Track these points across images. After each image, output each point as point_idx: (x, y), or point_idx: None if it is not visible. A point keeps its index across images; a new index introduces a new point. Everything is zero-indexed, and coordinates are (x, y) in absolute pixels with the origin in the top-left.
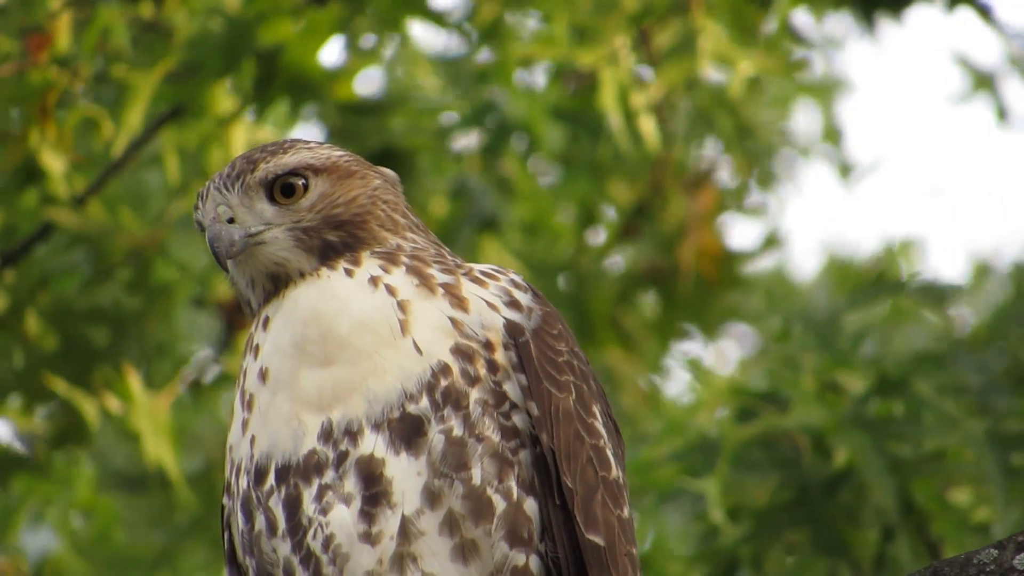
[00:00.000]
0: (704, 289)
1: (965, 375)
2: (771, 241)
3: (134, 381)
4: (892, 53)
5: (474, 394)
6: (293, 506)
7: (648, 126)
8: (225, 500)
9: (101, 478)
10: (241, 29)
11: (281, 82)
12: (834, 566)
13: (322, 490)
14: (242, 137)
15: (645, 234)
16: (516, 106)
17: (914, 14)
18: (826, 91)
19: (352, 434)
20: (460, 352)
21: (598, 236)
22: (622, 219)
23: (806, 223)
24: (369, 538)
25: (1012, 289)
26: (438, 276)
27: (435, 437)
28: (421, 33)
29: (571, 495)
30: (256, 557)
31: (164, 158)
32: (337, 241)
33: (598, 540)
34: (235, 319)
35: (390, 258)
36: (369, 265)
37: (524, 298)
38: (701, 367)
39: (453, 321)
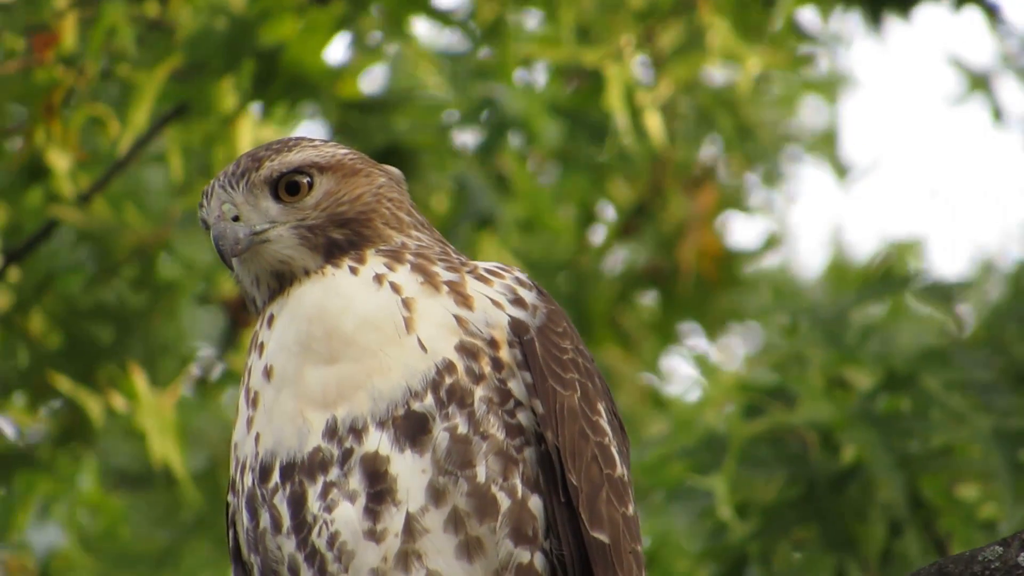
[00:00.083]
0: (704, 289)
1: (972, 372)
2: (772, 242)
3: (139, 379)
4: (889, 54)
5: (479, 392)
6: (298, 503)
7: (654, 123)
8: (230, 498)
9: (106, 476)
10: (244, 27)
11: (281, 81)
12: (842, 562)
13: (327, 487)
14: (247, 135)
15: (645, 233)
16: (514, 103)
17: (918, 13)
18: (831, 87)
19: (357, 431)
20: (465, 350)
21: (598, 235)
22: (622, 218)
23: (811, 221)
24: (374, 535)
25: (1009, 288)
26: (443, 274)
27: (440, 435)
28: (424, 31)
29: (576, 492)
30: (261, 554)
31: (168, 156)
32: (342, 239)
33: (603, 537)
34: (240, 317)
35: (395, 256)
36: (374, 263)
37: (529, 296)
38: (708, 363)
39: (458, 319)
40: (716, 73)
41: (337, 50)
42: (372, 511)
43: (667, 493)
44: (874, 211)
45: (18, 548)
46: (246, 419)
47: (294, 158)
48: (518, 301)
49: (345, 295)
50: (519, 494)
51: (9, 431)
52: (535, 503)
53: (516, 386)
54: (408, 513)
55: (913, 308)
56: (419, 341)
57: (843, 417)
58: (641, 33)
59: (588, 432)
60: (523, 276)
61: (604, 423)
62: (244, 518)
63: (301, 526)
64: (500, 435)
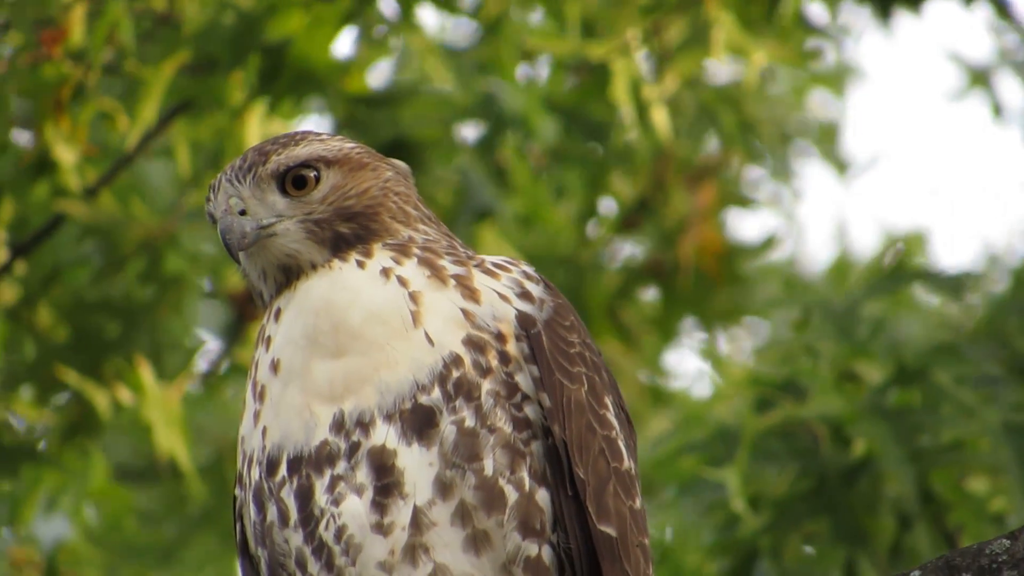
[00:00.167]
0: (704, 284)
1: (982, 366)
2: (772, 240)
3: (145, 372)
4: (890, 48)
5: (486, 385)
6: (305, 497)
7: (661, 118)
8: (237, 491)
9: (112, 469)
10: (250, 22)
11: (288, 75)
12: (852, 556)
13: (334, 481)
14: (255, 129)
15: (646, 229)
16: (513, 99)
17: (927, 7)
18: (838, 80)
19: (364, 425)
20: (472, 343)
21: (598, 229)
22: (623, 213)
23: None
24: (381, 529)
25: (1013, 282)
26: (450, 268)
27: (447, 428)
28: (429, 26)
29: (583, 486)
30: (268, 548)
31: (175, 150)
32: (349, 233)
33: (610, 531)
34: (247, 310)
35: (402, 250)
36: (381, 257)
37: (536, 289)
38: (719, 356)
39: (465, 312)
40: (720, 69)
41: (343, 45)
42: (379, 504)
43: (678, 487)
44: (876, 205)
45: (25, 541)
46: (253, 413)
47: (301, 152)
48: (525, 295)
49: (352, 289)
50: (526, 487)
51: (16, 424)
52: (542, 496)
53: (523, 380)
54: (415, 506)
55: (915, 301)
56: (426, 335)
57: (854, 411)
58: (647, 27)
59: (595, 426)
60: (530, 270)
61: (611, 417)
62: (251, 511)
63: (308, 519)
64: (507, 428)
